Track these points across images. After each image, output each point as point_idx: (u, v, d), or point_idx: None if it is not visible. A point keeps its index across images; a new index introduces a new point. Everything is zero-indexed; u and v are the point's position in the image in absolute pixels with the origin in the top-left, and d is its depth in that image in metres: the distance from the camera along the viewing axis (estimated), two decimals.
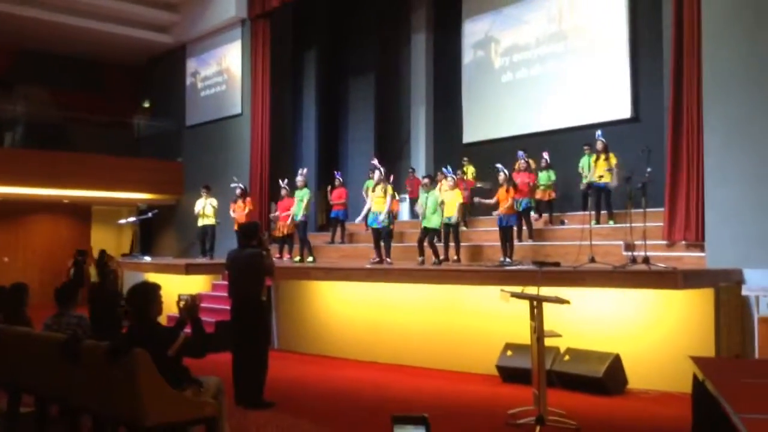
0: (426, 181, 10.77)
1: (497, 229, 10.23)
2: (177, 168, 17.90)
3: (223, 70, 16.77)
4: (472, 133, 14.85)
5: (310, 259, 12.14)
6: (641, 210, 8.33)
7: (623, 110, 12.28)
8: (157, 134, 18.70)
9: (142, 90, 20.23)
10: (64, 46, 18.09)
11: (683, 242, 9.07)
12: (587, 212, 10.47)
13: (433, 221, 10.27)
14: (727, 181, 8.15)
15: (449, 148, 15.13)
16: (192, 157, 17.58)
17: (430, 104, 15.88)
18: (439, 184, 11.11)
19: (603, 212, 10.78)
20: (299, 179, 12.37)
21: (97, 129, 18.13)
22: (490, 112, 14.51)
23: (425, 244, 10.42)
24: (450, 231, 10.59)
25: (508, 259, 9.77)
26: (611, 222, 10.58)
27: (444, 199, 10.44)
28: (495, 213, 10.17)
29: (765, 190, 7.84)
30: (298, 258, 12.25)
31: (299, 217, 12.19)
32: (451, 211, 10.43)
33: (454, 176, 11.08)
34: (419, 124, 15.89)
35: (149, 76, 19.87)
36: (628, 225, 8.84)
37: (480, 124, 14.72)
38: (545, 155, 11.95)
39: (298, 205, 12.16)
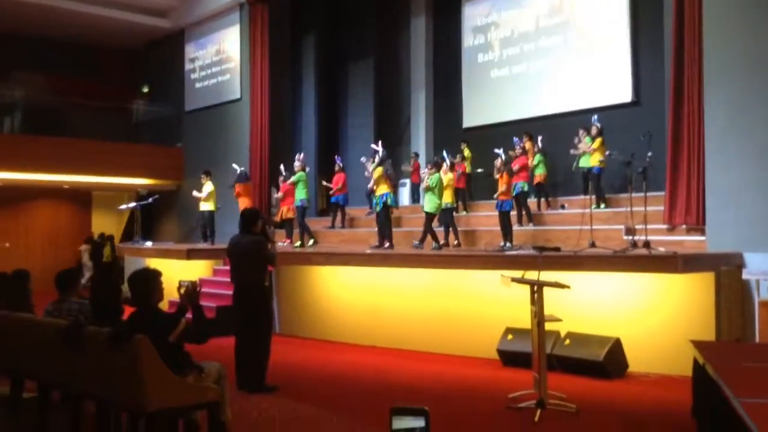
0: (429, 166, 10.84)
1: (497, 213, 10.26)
2: (177, 153, 17.87)
3: (222, 55, 16.69)
4: (472, 118, 14.79)
5: (311, 242, 12.16)
6: (642, 194, 8.32)
7: (624, 94, 12.22)
8: (156, 119, 18.65)
9: (140, 75, 20.14)
10: (61, 31, 17.99)
11: (684, 226, 9.07)
12: (587, 196, 10.45)
13: (427, 206, 10.32)
14: (728, 165, 8.13)
15: (449, 133, 15.07)
16: (191, 143, 17.54)
17: (430, 88, 15.80)
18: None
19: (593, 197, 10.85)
20: (296, 164, 12.40)
21: (95, 114, 18.06)
22: (491, 97, 14.44)
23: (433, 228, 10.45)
24: (446, 216, 10.63)
25: (508, 244, 9.77)
26: (602, 206, 10.60)
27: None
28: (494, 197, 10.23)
29: (766, 174, 7.83)
30: (298, 243, 12.26)
31: (297, 202, 12.21)
32: (448, 197, 10.53)
33: (452, 161, 11.11)
34: (419, 109, 15.83)
35: (147, 61, 19.78)
36: (628, 209, 8.82)
37: (480, 109, 14.65)
38: (538, 140, 11.95)
39: (307, 187, 12.19)
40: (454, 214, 11.35)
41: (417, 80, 15.92)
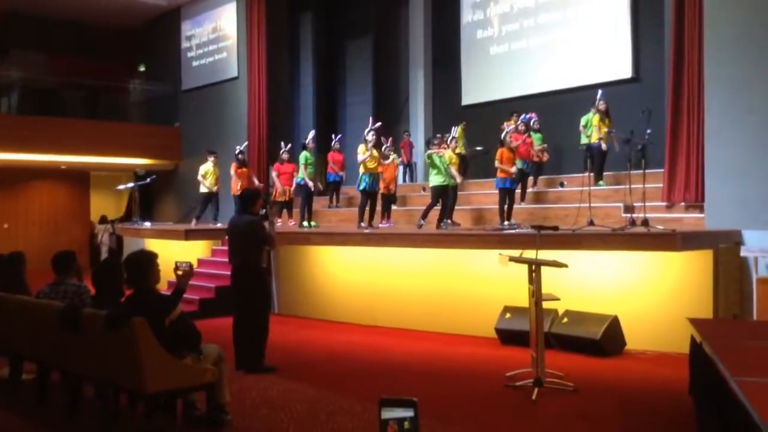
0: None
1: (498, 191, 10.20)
2: (174, 133, 17.80)
3: (219, 33, 16.55)
4: (471, 95, 14.70)
5: (313, 223, 12.13)
6: (641, 171, 8.29)
7: (624, 70, 12.14)
8: (153, 98, 18.55)
9: (137, 54, 20.00)
10: (58, 11, 17.83)
11: (683, 204, 9.05)
12: (587, 174, 10.39)
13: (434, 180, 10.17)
14: (727, 142, 8.10)
15: (448, 110, 14.99)
16: (189, 122, 17.46)
17: (429, 66, 15.67)
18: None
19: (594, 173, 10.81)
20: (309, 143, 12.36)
21: (92, 94, 17.97)
22: (490, 74, 14.34)
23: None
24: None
25: (506, 223, 9.75)
26: (601, 183, 10.57)
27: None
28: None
29: (765, 151, 7.81)
30: (312, 223, 12.14)
31: (300, 180, 12.16)
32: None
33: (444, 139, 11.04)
34: (418, 86, 15.72)
35: (144, 39, 19.63)
36: (627, 186, 8.80)
37: (479, 86, 14.56)
38: (534, 117, 11.87)
39: (311, 167, 12.15)
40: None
41: (415, 57, 15.80)
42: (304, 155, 12.17)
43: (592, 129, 10.84)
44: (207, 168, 13.06)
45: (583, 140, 11.07)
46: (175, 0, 17.69)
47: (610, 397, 5.73)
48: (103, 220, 19.10)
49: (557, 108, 12.43)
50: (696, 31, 8.66)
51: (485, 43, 14.48)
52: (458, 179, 10.38)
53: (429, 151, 10.23)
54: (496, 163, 9.99)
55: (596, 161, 10.74)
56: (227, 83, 16.22)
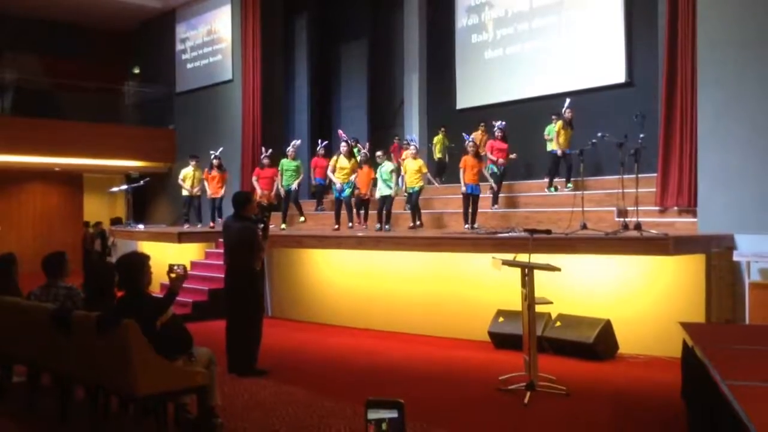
0: (379, 153, 11.03)
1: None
2: (169, 135, 17.76)
3: (214, 36, 16.54)
4: (465, 99, 14.71)
5: (283, 226, 12.16)
6: (633, 176, 8.31)
7: (618, 75, 12.17)
8: (148, 101, 18.51)
9: (131, 56, 19.97)
10: (52, 12, 17.80)
11: (675, 208, 9.07)
12: (579, 179, 10.41)
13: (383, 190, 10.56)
14: (720, 146, 8.13)
15: (443, 114, 15.00)
16: (183, 124, 17.43)
17: (424, 70, 15.67)
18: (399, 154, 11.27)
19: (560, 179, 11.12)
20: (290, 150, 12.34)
21: (86, 96, 17.92)
22: (484, 78, 14.35)
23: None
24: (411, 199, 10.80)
25: (476, 226, 9.84)
26: (551, 189, 10.99)
27: (407, 168, 10.79)
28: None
29: (758, 156, 7.83)
30: (282, 225, 12.15)
31: (293, 186, 12.14)
32: (415, 181, 10.61)
33: (417, 145, 11.31)
34: (412, 90, 15.70)
35: (138, 41, 19.61)
36: (620, 191, 8.81)
37: (474, 90, 14.57)
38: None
39: (286, 174, 12.10)
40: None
41: (410, 61, 15.79)
42: (281, 162, 12.21)
43: (553, 136, 11.07)
44: (187, 172, 13.49)
45: (549, 148, 11.28)
46: (169, 2, 17.68)
47: (602, 401, 5.73)
48: (117, 220, 18.81)
49: (550, 112, 12.42)
50: (689, 37, 8.69)
51: (480, 47, 14.49)
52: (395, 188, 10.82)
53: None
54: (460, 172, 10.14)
55: (558, 168, 11.04)
56: (222, 86, 16.20)
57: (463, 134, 10.86)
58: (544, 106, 12.81)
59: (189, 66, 17.41)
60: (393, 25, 16.40)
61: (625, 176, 8.52)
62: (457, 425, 5.16)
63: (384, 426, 1.68)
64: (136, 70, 19.95)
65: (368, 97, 16.49)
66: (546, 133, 11.58)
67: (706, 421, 4.01)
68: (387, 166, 10.68)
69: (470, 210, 9.98)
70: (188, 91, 17.34)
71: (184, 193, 13.49)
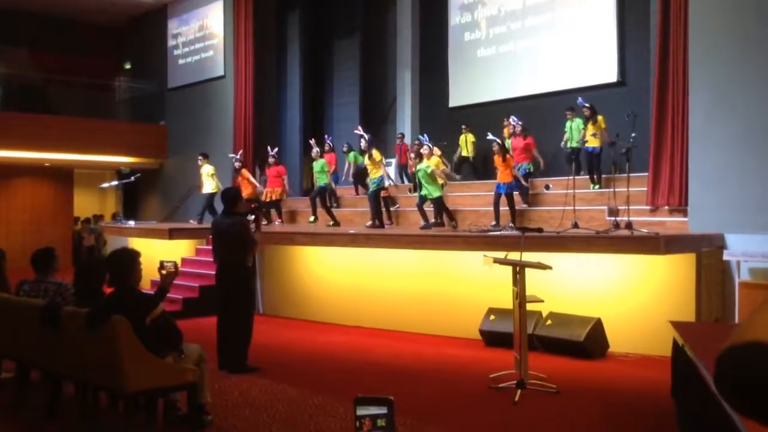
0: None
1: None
2: (160, 131, 17.68)
3: (205, 31, 16.47)
4: (458, 97, 14.71)
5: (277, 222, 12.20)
6: (625, 175, 8.33)
7: (610, 74, 12.19)
8: (139, 97, 18.43)
9: (122, 51, 19.86)
10: (42, 6, 17.67)
11: (666, 207, 9.11)
12: (570, 177, 10.38)
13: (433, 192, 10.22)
14: (711, 146, 8.16)
15: (435, 112, 15.01)
16: (174, 121, 17.35)
17: (416, 67, 15.66)
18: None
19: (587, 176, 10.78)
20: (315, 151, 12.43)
21: (77, 91, 17.81)
22: (477, 76, 14.36)
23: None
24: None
25: (501, 225, 9.74)
26: (596, 187, 10.51)
27: (420, 174, 10.46)
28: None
29: (749, 156, 7.87)
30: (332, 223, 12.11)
31: (324, 183, 12.22)
32: (433, 189, 10.30)
33: (430, 145, 10.86)
34: (405, 88, 15.70)
35: (130, 37, 19.50)
36: (611, 190, 8.83)
37: (466, 88, 14.56)
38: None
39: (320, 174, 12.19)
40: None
41: (403, 59, 15.78)
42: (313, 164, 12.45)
43: (578, 133, 10.76)
44: (212, 168, 13.01)
45: (570, 145, 11.02)
46: None
47: (592, 400, 5.75)
48: (116, 215, 18.60)
49: (543, 111, 12.46)
50: (681, 37, 8.71)
51: (473, 45, 14.49)
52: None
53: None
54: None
55: (587, 163, 10.75)
56: (214, 82, 16.13)
57: (488, 135, 10.60)
58: (537, 105, 12.85)
59: (181, 62, 17.33)
60: (386, 22, 16.37)
61: (617, 175, 8.56)
62: (447, 423, 5.16)
63: (379, 422, 1.68)
64: (128, 66, 19.84)
65: (360, 93, 16.46)
66: (566, 130, 11.11)
67: (695, 419, 4.03)
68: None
69: (504, 209, 9.85)
70: (180, 86, 17.26)
71: (210, 190, 12.82)
